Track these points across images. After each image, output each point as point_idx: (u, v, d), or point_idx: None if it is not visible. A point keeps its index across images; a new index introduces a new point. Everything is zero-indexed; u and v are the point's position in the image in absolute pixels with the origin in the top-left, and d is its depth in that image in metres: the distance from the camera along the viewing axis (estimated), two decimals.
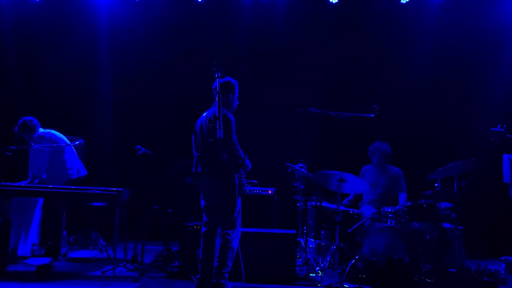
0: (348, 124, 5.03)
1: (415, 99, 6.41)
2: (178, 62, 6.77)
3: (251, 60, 6.68)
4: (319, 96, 6.25)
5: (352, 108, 4.83)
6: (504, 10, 6.37)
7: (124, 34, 6.82)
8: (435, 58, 6.43)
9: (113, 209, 4.58)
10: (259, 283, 4.27)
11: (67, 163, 5.27)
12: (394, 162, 5.65)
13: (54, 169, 5.19)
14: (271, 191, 5.47)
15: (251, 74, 6.52)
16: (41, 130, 5.31)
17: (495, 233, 5.99)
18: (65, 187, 4.90)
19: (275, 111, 6.33)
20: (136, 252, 4.90)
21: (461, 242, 4.97)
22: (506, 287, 4.32)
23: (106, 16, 6.86)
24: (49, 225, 5.25)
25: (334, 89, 6.52)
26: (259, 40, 6.76)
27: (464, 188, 4.80)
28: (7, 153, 5.03)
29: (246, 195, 5.16)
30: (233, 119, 3.89)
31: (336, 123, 4.86)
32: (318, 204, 5.16)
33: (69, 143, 5.26)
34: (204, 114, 4.02)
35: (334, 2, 6.57)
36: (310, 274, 4.61)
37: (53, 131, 5.34)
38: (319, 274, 4.51)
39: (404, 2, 6.50)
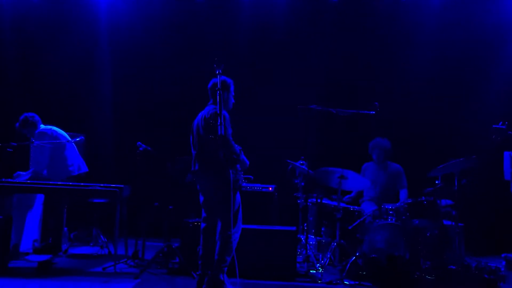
0: (349, 121, 5.03)
1: (415, 97, 6.39)
2: (178, 60, 6.76)
3: (251, 58, 6.67)
4: (320, 94, 6.23)
5: (352, 106, 4.82)
6: (505, 8, 6.34)
7: (124, 32, 6.81)
8: (436, 56, 6.41)
9: (114, 206, 4.59)
10: (260, 279, 4.28)
11: (68, 160, 5.28)
12: (395, 160, 5.65)
13: (55, 166, 5.20)
14: (272, 188, 5.48)
15: (251, 72, 6.52)
16: (42, 126, 5.31)
17: (495, 230, 5.99)
18: (66, 183, 4.91)
19: (275, 109, 6.32)
20: (137, 248, 4.91)
21: (461, 239, 4.97)
22: (506, 284, 4.33)
23: (105, 14, 6.84)
24: (50, 221, 5.26)
25: (334, 87, 6.50)
26: (259, 38, 6.74)
27: (465, 185, 4.80)
28: (8, 149, 5.04)
29: (247, 192, 5.19)
30: (228, 116, 3.91)
31: (337, 120, 4.86)
32: (319, 201, 5.17)
33: (70, 139, 5.26)
34: (200, 114, 4.06)
35: (334, 0, 6.56)
36: (311, 271, 4.62)
37: (54, 128, 5.34)
38: (320, 271, 4.52)
39: (405, 0, 6.48)
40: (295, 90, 6.31)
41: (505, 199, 5.27)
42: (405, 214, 4.75)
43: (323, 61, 6.59)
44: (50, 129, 5.28)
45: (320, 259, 4.84)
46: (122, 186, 4.64)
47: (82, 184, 4.81)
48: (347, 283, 4.31)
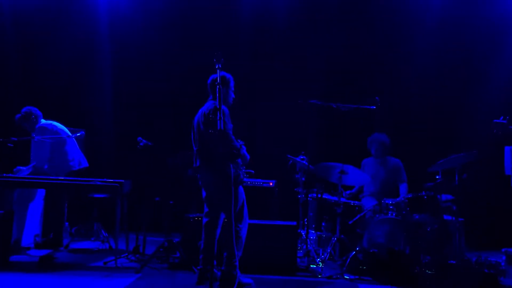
0: (349, 116, 5.02)
1: (416, 91, 6.38)
2: (178, 55, 6.74)
3: (251, 52, 6.65)
4: (320, 89, 6.22)
5: (353, 100, 4.81)
6: (507, 1, 6.31)
7: (123, 27, 6.79)
8: (437, 51, 6.39)
9: (115, 201, 4.60)
10: (260, 274, 4.29)
11: (68, 155, 5.29)
12: (396, 154, 5.65)
13: (55, 161, 5.21)
14: (272, 183, 5.48)
15: (251, 66, 6.50)
16: (43, 121, 5.31)
17: (496, 225, 5.99)
18: (67, 178, 4.92)
19: (275, 104, 6.31)
20: (137, 243, 4.92)
21: (461, 234, 4.97)
22: (506, 279, 4.34)
23: (105, 8, 6.83)
24: (51, 216, 5.27)
25: (335, 80, 6.49)
26: (259, 33, 6.72)
27: (465, 180, 4.78)
28: (8, 144, 5.05)
29: (248, 187, 5.18)
30: (227, 111, 3.91)
31: (338, 115, 4.85)
32: (319, 196, 5.17)
33: (70, 134, 5.27)
34: (200, 110, 4.06)
35: None
36: (311, 266, 4.63)
37: (55, 123, 5.34)
38: (320, 266, 4.53)
39: None
40: (296, 85, 6.30)
41: (506, 194, 5.26)
42: (406, 209, 4.75)
43: (324, 56, 6.57)
44: (51, 124, 5.29)
45: (321, 254, 4.85)
46: (122, 181, 4.65)
47: (82, 179, 4.82)
48: (347, 277, 4.32)
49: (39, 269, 4.39)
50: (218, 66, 3.51)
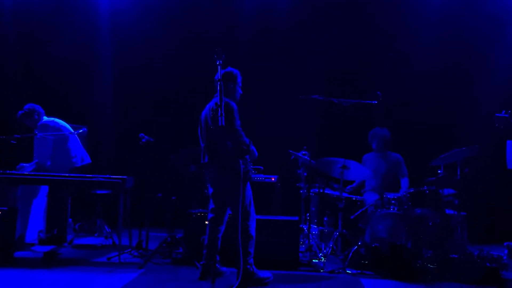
0: (350, 111, 5.02)
1: (418, 86, 6.37)
2: (180, 51, 6.74)
3: (253, 48, 6.65)
4: (322, 84, 6.22)
5: (354, 95, 4.81)
6: None
7: (125, 23, 6.79)
8: (438, 45, 6.37)
9: (118, 197, 4.62)
10: (263, 269, 4.31)
11: (71, 151, 5.31)
12: (397, 149, 5.65)
13: (58, 157, 5.23)
14: (274, 178, 5.49)
15: (253, 62, 6.49)
16: (45, 118, 5.33)
17: (498, 219, 5.99)
18: (70, 175, 4.94)
19: (277, 99, 6.31)
20: (140, 239, 4.95)
21: (463, 228, 4.98)
22: (508, 272, 4.35)
23: (106, 4, 6.82)
24: (55, 212, 5.30)
25: (336, 77, 6.48)
26: (260, 28, 6.72)
27: (467, 174, 4.79)
28: (11, 141, 5.07)
29: (250, 183, 5.20)
30: (236, 107, 3.90)
31: (339, 110, 4.85)
32: (321, 191, 5.18)
33: (72, 131, 5.29)
34: (208, 105, 4.04)
35: None
36: (313, 260, 4.66)
37: (57, 120, 5.36)
38: (322, 260, 4.55)
39: None
40: (297, 80, 6.29)
41: (508, 188, 5.27)
42: (407, 203, 4.76)
43: (325, 51, 6.56)
44: (53, 121, 5.30)
45: (323, 249, 4.87)
46: (125, 177, 4.66)
47: (85, 175, 4.84)
48: (349, 272, 4.34)
49: (43, 265, 4.42)
50: (219, 63, 3.51)
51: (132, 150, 5.11)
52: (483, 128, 5.62)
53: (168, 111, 6.66)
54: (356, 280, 4.16)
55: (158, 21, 6.76)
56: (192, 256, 4.42)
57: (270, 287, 3.88)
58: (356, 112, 5.22)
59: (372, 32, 6.54)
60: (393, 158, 5.59)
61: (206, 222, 4.47)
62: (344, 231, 4.76)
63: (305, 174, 5.18)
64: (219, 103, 3.42)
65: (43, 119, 5.31)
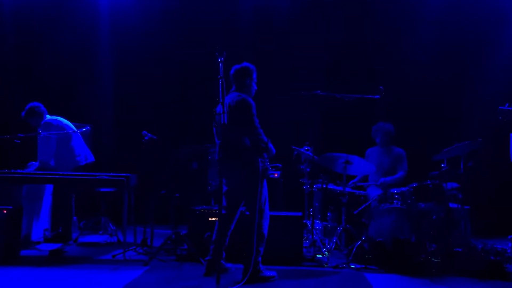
0: (353, 107, 5.01)
1: (420, 80, 6.35)
2: (181, 47, 6.73)
3: (253, 43, 6.63)
4: (324, 79, 6.20)
5: (356, 89, 4.80)
6: None
7: (125, 20, 6.79)
8: (440, 38, 6.34)
9: (122, 194, 4.63)
10: (267, 264, 4.32)
11: (75, 150, 5.33)
12: (400, 143, 5.64)
13: (62, 156, 5.25)
14: (277, 174, 5.49)
15: (254, 57, 6.45)
16: (48, 117, 5.35)
17: (501, 212, 5.98)
18: (74, 173, 4.96)
19: (279, 95, 6.30)
20: (145, 236, 4.97)
21: (467, 222, 4.98)
22: None
23: (106, 1, 6.82)
24: (60, 211, 5.34)
25: (338, 72, 6.47)
26: (261, 23, 6.70)
27: (471, 168, 4.78)
28: (15, 140, 5.09)
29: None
30: (253, 104, 3.86)
31: (341, 105, 4.84)
32: (324, 186, 5.18)
33: (76, 130, 5.30)
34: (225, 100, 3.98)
35: None
36: (317, 255, 4.67)
37: (60, 118, 5.38)
38: (326, 255, 4.56)
39: None
40: (299, 76, 6.28)
41: (511, 181, 5.25)
42: (411, 197, 4.76)
43: (327, 46, 6.54)
44: (56, 119, 5.32)
45: (326, 244, 4.88)
46: (128, 175, 4.67)
47: (89, 173, 4.86)
48: (353, 267, 4.35)
49: (49, 263, 4.45)
50: (221, 60, 3.50)
51: (135, 148, 5.13)
52: (486, 121, 5.59)
53: (170, 108, 6.67)
54: (360, 275, 4.17)
55: (158, 16, 6.75)
56: (196, 252, 4.44)
57: (274, 282, 3.89)
58: (358, 107, 5.23)
59: (373, 27, 6.52)
60: (395, 152, 5.57)
61: (210, 219, 4.50)
62: (347, 226, 4.76)
63: (308, 169, 5.18)
64: (221, 100, 3.41)
65: (46, 118, 5.32)
